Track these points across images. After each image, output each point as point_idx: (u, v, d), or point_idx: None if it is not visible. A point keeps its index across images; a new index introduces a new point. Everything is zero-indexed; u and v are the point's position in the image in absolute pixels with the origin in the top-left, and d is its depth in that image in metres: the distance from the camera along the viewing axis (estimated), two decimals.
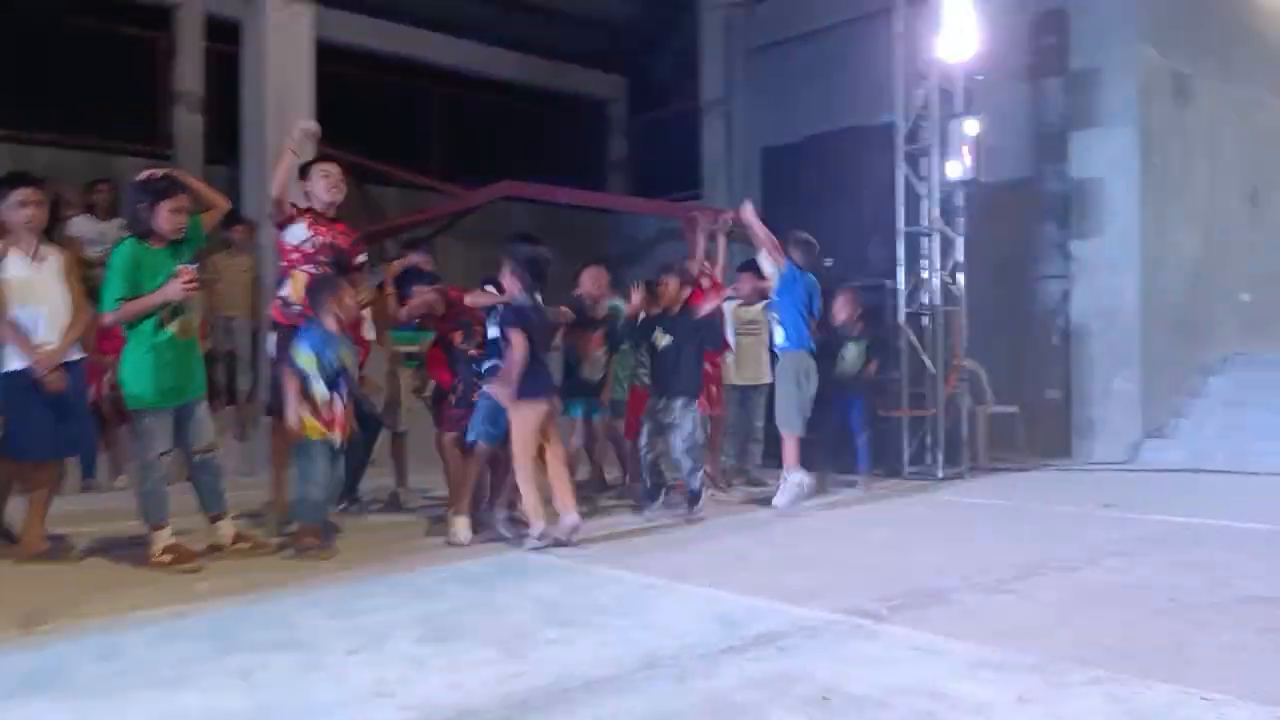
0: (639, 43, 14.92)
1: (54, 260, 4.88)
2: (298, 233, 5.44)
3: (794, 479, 6.27)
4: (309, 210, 5.53)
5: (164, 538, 4.65)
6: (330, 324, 4.92)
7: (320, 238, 5.46)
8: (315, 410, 4.86)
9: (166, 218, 4.61)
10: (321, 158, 5.91)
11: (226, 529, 4.93)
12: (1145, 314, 9.08)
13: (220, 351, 8.90)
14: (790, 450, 6.32)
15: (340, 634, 3.42)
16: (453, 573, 4.44)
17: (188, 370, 4.73)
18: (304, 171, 5.76)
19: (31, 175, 5.03)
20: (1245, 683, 2.75)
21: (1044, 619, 3.53)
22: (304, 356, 4.86)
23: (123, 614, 3.78)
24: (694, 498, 5.87)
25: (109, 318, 4.64)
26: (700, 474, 5.97)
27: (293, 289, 5.39)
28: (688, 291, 6.16)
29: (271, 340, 5.56)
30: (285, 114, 9.21)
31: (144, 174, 4.76)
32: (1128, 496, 6.66)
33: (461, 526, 5.15)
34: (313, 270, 5.37)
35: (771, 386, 7.07)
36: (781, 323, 6.42)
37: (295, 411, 4.81)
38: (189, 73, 11.05)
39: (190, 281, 4.60)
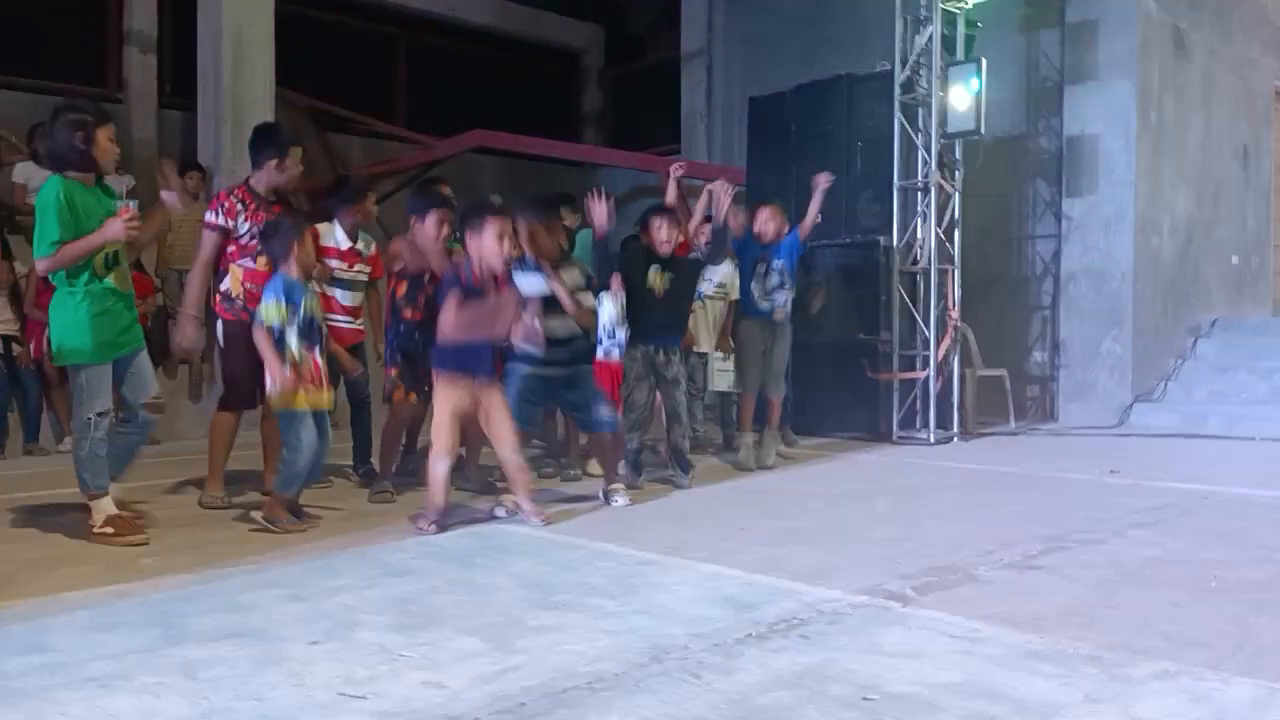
0: None
1: None
2: (236, 227, 4.96)
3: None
4: (246, 193, 4.99)
5: (105, 507, 4.21)
6: (293, 271, 4.46)
7: (259, 226, 4.92)
8: (295, 370, 4.38)
9: (105, 147, 4.14)
10: (292, 140, 5.26)
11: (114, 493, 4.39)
12: (1138, 275, 8.83)
13: (174, 307, 8.39)
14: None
15: (301, 620, 3.02)
16: (427, 548, 4.04)
17: (126, 322, 4.28)
18: (268, 145, 5.13)
19: None
20: None
21: (1084, 599, 3.21)
22: (270, 308, 4.35)
23: (56, 595, 3.37)
24: (682, 459, 5.54)
25: (44, 264, 4.09)
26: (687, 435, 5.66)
27: (233, 283, 4.97)
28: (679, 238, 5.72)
29: (219, 330, 5.08)
30: (242, 55, 8.68)
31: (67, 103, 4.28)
32: (1130, 462, 6.38)
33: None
34: (251, 264, 4.93)
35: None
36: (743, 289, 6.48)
37: (278, 376, 4.32)
38: (141, 11, 10.44)
39: (133, 219, 4.13)
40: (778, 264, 6.33)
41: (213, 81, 8.71)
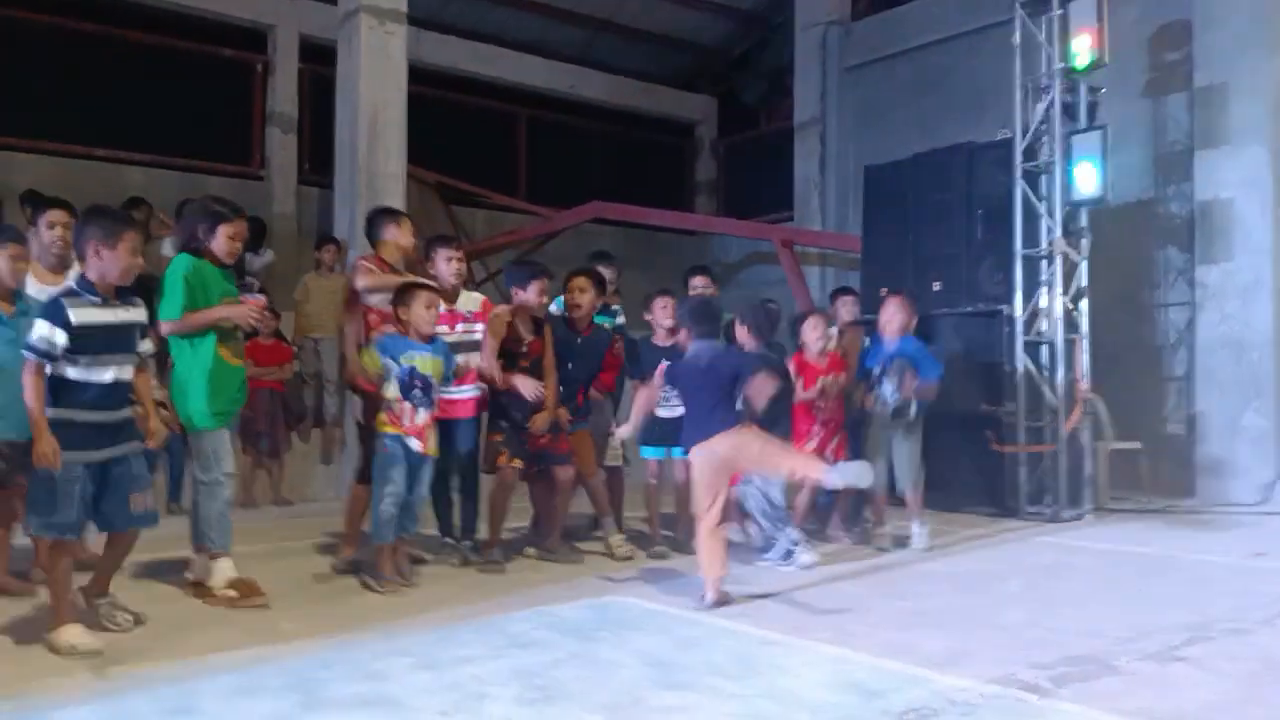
0: (730, 64, 14.65)
1: None
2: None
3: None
4: (380, 262, 5.28)
5: (226, 569, 4.41)
6: (406, 329, 4.84)
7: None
8: (391, 410, 4.77)
9: (223, 243, 4.49)
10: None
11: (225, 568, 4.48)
12: (1279, 343, 8.41)
13: (309, 373, 8.78)
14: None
15: (431, 690, 3.09)
16: (548, 619, 4.09)
17: (234, 394, 4.56)
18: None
19: (61, 199, 5.06)
20: None
21: (1231, 695, 3.05)
22: (370, 356, 4.86)
23: (200, 657, 3.53)
24: (787, 555, 5.29)
25: (169, 327, 4.42)
26: (788, 528, 5.38)
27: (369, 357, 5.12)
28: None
29: (357, 405, 5.36)
30: (377, 135, 9.11)
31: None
32: (1277, 543, 6.05)
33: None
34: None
35: None
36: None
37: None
38: (283, 94, 11.10)
39: (262, 314, 4.48)
40: (896, 365, 5.98)
41: (349, 160, 9.14)
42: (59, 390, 3.67)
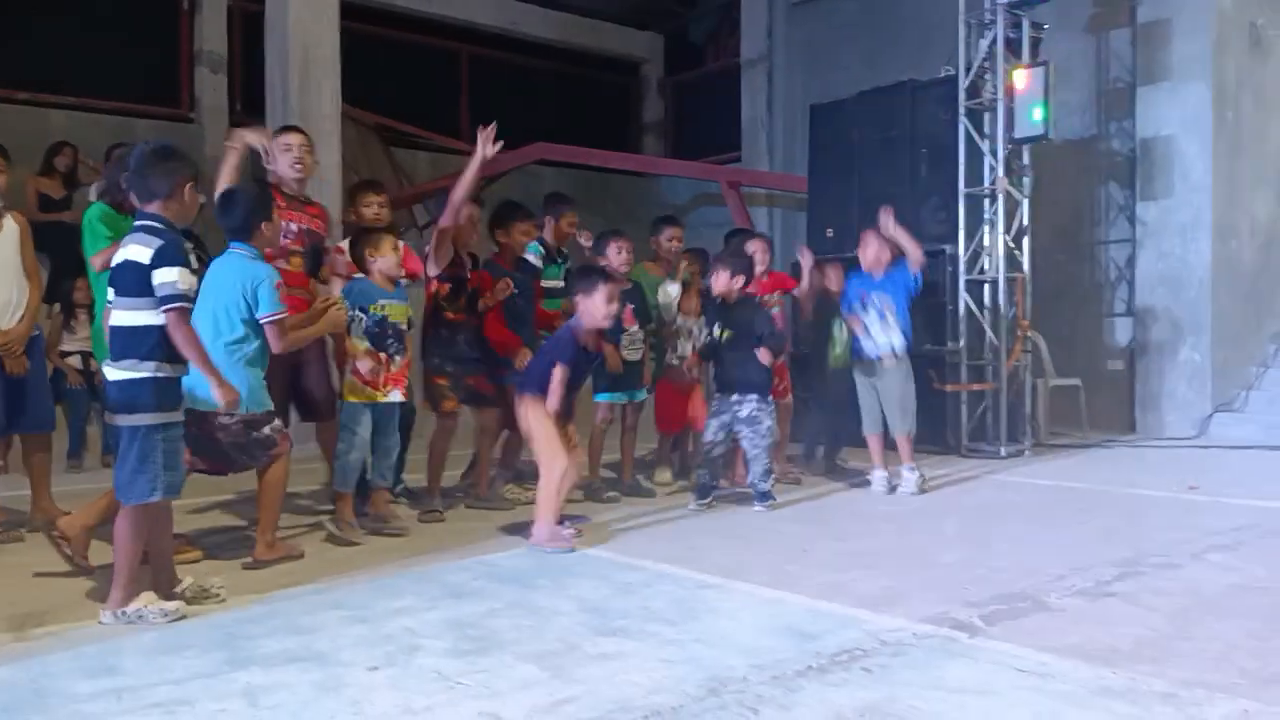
0: (676, 1, 14.38)
1: (10, 230, 4.72)
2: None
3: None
4: (277, 192, 4.79)
5: None
6: (373, 276, 4.73)
7: (294, 224, 4.81)
8: (355, 368, 4.66)
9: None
10: (285, 128, 5.28)
11: None
12: (1216, 281, 8.55)
13: None
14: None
15: (362, 644, 3.04)
16: (486, 568, 4.05)
17: None
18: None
19: None
20: None
21: (1160, 630, 3.09)
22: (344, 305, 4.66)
23: None
24: (763, 498, 5.31)
25: (101, 260, 4.22)
26: (771, 475, 5.38)
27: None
28: (740, 280, 5.45)
29: None
30: (309, 74, 8.81)
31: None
32: (1209, 477, 6.19)
33: None
34: (286, 266, 4.70)
35: None
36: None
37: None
38: (212, 32, 10.73)
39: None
40: (876, 298, 5.86)
41: (281, 100, 8.84)
42: (168, 344, 3.34)
